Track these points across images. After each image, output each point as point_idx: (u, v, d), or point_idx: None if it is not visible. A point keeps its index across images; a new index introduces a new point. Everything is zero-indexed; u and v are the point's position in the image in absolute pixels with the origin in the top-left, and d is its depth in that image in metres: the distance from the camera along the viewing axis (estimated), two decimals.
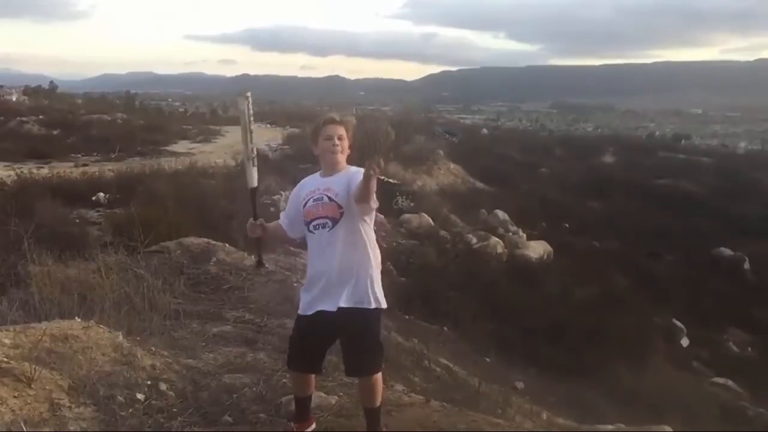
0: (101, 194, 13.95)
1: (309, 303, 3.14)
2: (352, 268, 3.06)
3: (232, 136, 29.41)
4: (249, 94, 3.33)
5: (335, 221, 3.06)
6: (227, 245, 7.86)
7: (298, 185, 3.35)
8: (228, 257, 7.44)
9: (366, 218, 3.11)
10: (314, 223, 3.12)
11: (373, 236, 3.17)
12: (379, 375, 3.12)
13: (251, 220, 3.33)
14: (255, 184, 3.42)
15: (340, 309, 3.02)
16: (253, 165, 3.32)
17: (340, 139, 3.20)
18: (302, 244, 3.46)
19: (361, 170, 3.05)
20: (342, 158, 3.22)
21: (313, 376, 3.38)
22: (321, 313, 3.08)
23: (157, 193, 12.21)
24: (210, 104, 73.18)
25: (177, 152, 22.41)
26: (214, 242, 7.82)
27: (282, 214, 3.40)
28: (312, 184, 3.26)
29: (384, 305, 3.14)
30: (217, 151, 22.12)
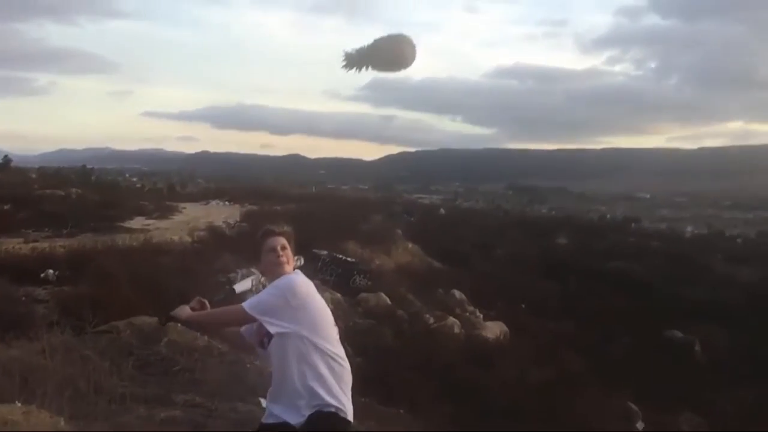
0: (50, 271, 13.58)
1: (268, 412, 3.05)
2: (295, 382, 2.91)
3: (189, 212, 29.25)
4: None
5: (270, 336, 2.97)
6: (179, 325, 7.68)
7: None
8: (180, 338, 7.26)
9: (301, 332, 2.93)
10: (264, 339, 3.04)
11: (318, 348, 2.96)
12: None
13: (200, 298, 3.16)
14: (237, 291, 3.38)
15: (298, 423, 2.89)
16: (252, 286, 3.28)
17: (283, 248, 3.10)
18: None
19: (289, 276, 3.01)
20: (288, 269, 3.09)
21: None
22: (278, 425, 2.95)
23: (109, 271, 11.95)
24: (168, 180, 72.86)
25: (132, 228, 22.11)
26: None
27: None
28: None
29: (349, 417, 2.98)
30: (174, 228, 21.94)
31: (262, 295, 3.01)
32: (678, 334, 22.57)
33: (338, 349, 3.02)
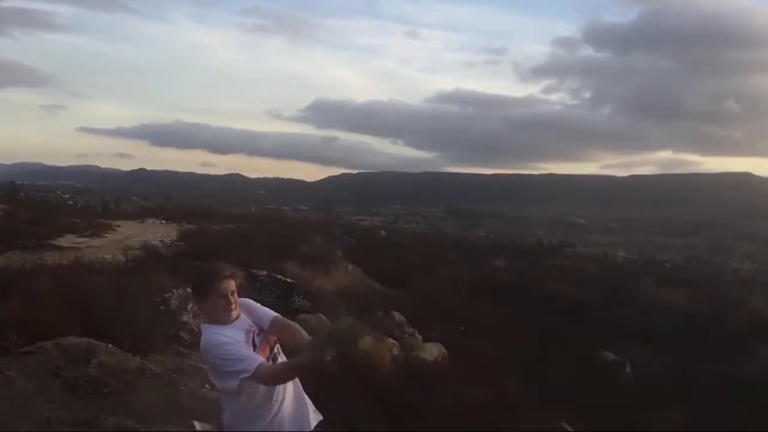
0: None
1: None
2: (301, 394, 3.24)
3: (123, 230, 28.45)
4: None
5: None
6: (110, 345, 7.44)
7: (224, 341, 2.97)
8: (110, 358, 7.03)
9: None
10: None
11: None
12: None
13: None
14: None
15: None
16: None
17: (233, 294, 3.04)
18: (193, 344, 3.35)
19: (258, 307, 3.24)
20: (235, 314, 3.06)
21: None
22: None
23: (36, 289, 11.47)
24: (102, 198, 70.83)
25: (62, 246, 21.31)
26: (96, 342, 7.39)
27: (250, 360, 2.97)
28: (236, 334, 3.02)
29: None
30: (107, 246, 21.28)
31: (270, 311, 3.26)
32: (610, 355, 23.16)
33: None
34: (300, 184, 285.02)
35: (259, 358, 2.98)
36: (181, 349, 8.61)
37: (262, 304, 3.34)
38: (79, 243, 22.80)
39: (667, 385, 21.39)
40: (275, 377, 3.02)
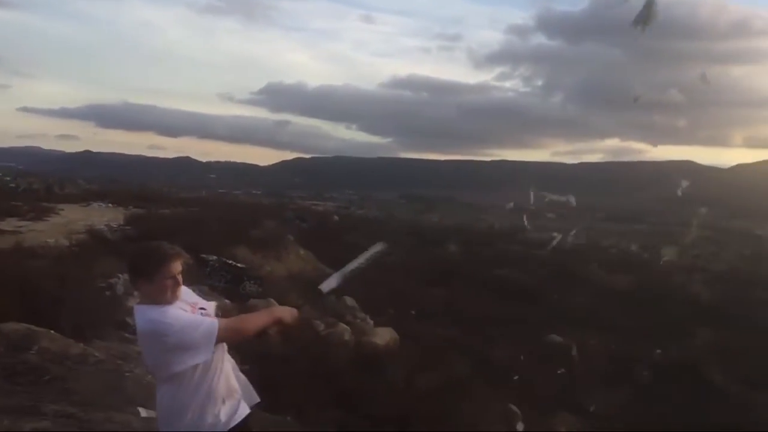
0: None
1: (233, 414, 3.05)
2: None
3: (67, 214, 27.65)
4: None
5: None
6: (52, 332, 7.24)
7: (179, 314, 2.90)
8: (52, 345, 6.85)
9: None
10: None
11: None
12: None
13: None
14: (325, 289, 3.54)
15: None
16: (342, 277, 3.51)
17: (180, 274, 2.95)
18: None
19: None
20: (179, 294, 2.96)
21: None
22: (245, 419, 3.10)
23: None
24: (45, 180, 68.61)
25: (3, 230, 20.61)
26: (36, 328, 7.18)
27: (210, 321, 2.94)
28: (182, 309, 2.96)
29: None
30: (50, 231, 20.66)
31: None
32: (557, 338, 23.67)
33: None
34: (252, 168, 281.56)
35: (215, 318, 2.96)
36: (126, 335, 8.46)
37: (213, 289, 3.31)
38: (21, 227, 22.06)
39: (610, 366, 22.03)
40: (245, 327, 3.05)
